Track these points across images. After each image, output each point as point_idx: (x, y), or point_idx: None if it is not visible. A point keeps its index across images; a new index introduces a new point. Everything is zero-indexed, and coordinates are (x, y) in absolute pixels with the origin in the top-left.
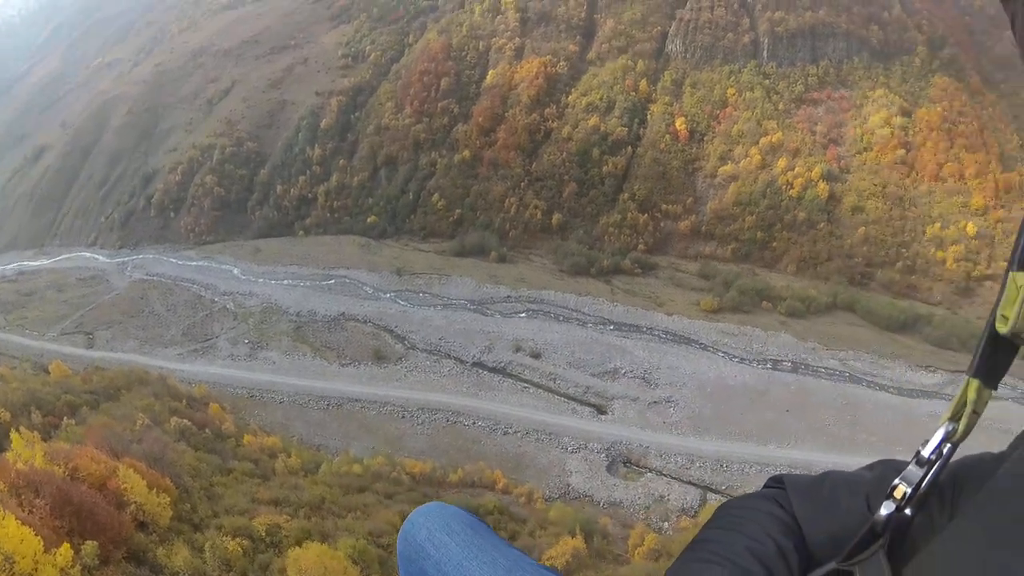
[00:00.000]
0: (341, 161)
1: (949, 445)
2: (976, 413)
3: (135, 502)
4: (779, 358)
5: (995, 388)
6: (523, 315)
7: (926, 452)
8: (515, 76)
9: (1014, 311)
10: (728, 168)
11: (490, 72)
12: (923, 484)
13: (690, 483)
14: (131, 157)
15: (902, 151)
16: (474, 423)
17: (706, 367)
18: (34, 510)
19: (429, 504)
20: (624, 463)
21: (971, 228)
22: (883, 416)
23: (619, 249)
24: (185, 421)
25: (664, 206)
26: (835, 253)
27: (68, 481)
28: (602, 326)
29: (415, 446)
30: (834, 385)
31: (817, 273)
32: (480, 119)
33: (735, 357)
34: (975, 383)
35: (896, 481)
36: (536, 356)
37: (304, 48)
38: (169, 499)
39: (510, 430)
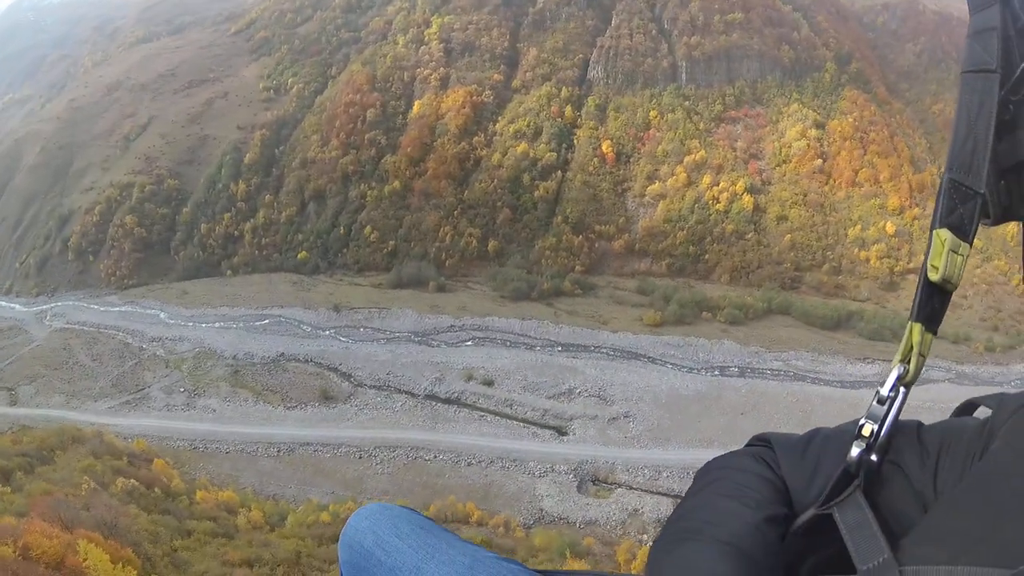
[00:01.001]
0: (267, 196)
1: (903, 388)
2: (922, 356)
3: None
4: (725, 364)
5: (935, 332)
6: (469, 343)
7: (885, 391)
8: (442, 106)
9: (942, 261)
10: (656, 187)
11: (416, 103)
12: (885, 423)
13: (661, 494)
14: (45, 198)
15: (819, 161)
16: (436, 457)
17: (658, 380)
18: None
19: (370, 505)
20: (593, 481)
21: (890, 227)
22: (831, 408)
23: (557, 272)
24: (132, 481)
25: (597, 227)
26: (765, 261)
27: (21, 562)
28: (550, 348)
29: (377, 487)
30: (781, 385)
31: (750, 281)
32: (409, 149)
33: (684, 367)
34: (917, 327)
35: (862, 420)
36: (489, 384)
37: (224, 81)
38: (134, 572)
39: (474, 460)
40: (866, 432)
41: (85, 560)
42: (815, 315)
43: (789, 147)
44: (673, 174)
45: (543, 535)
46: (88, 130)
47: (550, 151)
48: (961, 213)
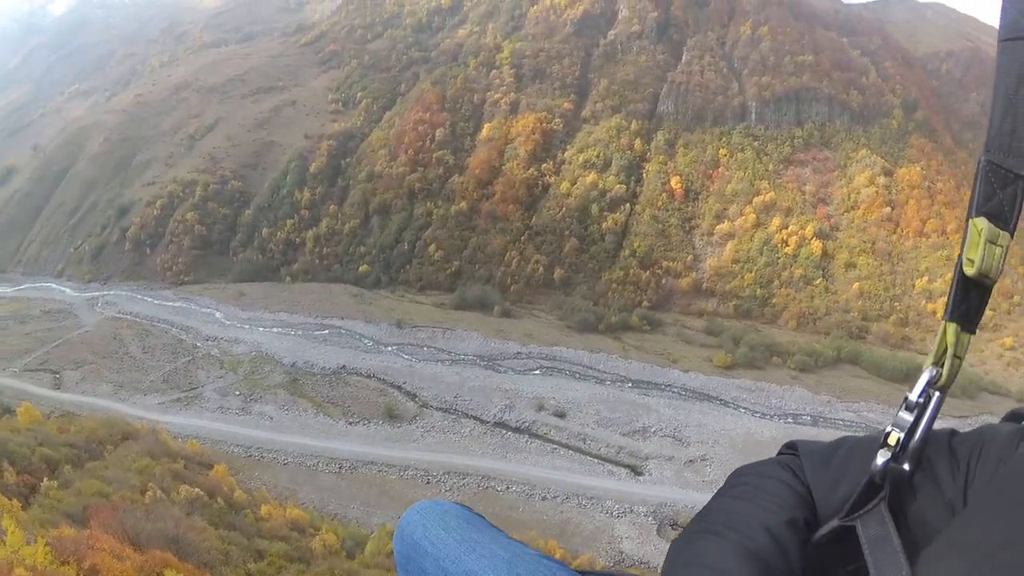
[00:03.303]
0: (331, 206)
1: (937, 393)
2: (958, 357)
3: None
4: (798, 412)
5: (973, 332)
6: (537, 372)
7: (913, 396)
8: (511, 130)
9: (978, 253)
10: (725, 226)
11: (486, 125)
12: (917, 432)
13: None
14: (106, 187)
15: (887, 209)
16: (508, 488)
17: (732, 423)
18: None
19: (423, 502)
20: (672, 525)
21: None
22: None
23: (624, 305)
24: (196, 490)
25: (665, 263)
26: (832, 308)
27: None
28: (620, 383)
29: None
30: None
31: (817, 328)
32: (477, 171)
33: (756, 412)
34: (952, 327)
35: (888, 428)
36: (561, 415)
37: (292, 91)
38: None
39: (548, 495)
40: (891, 441)
41: None
42: (885, 367)
43: (858, 193)
44: (742, 214)
45: None
46: (154, 125)
47: (619, 183)
48: (1000, 199)
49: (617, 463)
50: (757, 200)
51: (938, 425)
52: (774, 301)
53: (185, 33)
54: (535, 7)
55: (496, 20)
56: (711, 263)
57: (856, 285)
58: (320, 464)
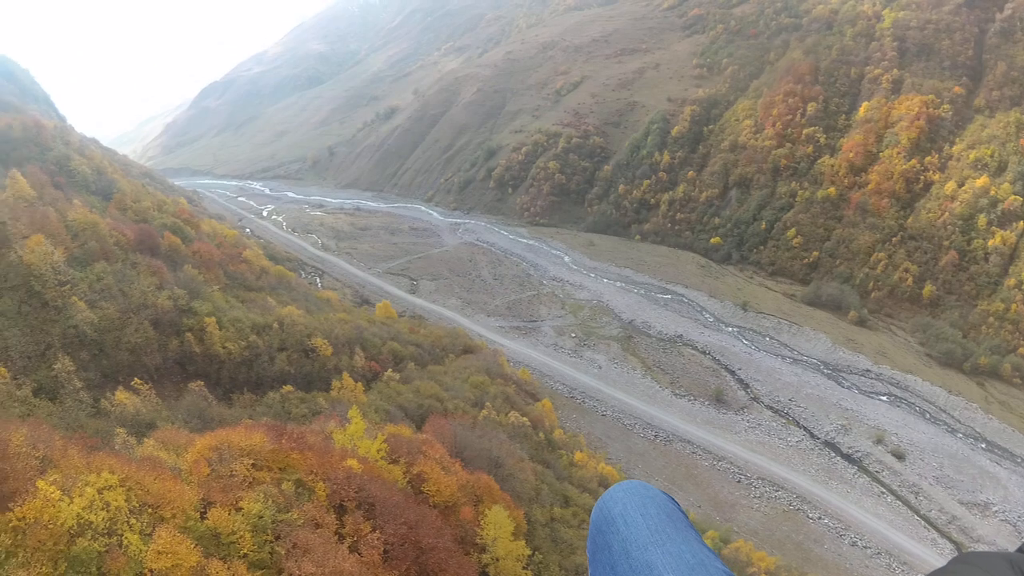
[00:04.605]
0: (689, 172)
1: None
2: None
3: (491, 553)
4: None
5: None
6: (884, 398)
7: None
8: (892, 113)
9: None
10: None
11: (863, 104)
12: None
13: None
14: (476, 131)
15: None
16: (819, 518)
17: None
18: (363, 549)
19: (632, 481)
20: None
21: None
22: None
23: (997, 346)
24: (524, 419)
25: None
26: None
27: (408, 497)
28: (973, 440)
29: (747, 522)
30: None
31: None
32: (850, 155)
33: None
34: None
35: None
36: (899, 457)
37: (655, 53)
38: (525, 548)
39: (859, 542)
40: None
41: (485, 523)
42: None
43: None
44: None
45: None
46: (522, 80)
47: (1014, 193)
48: None
49: (944, 534)
50: None
51: None
52: None
53: None
54: None
55: None
56: None
57: None
58: (637, 426)
